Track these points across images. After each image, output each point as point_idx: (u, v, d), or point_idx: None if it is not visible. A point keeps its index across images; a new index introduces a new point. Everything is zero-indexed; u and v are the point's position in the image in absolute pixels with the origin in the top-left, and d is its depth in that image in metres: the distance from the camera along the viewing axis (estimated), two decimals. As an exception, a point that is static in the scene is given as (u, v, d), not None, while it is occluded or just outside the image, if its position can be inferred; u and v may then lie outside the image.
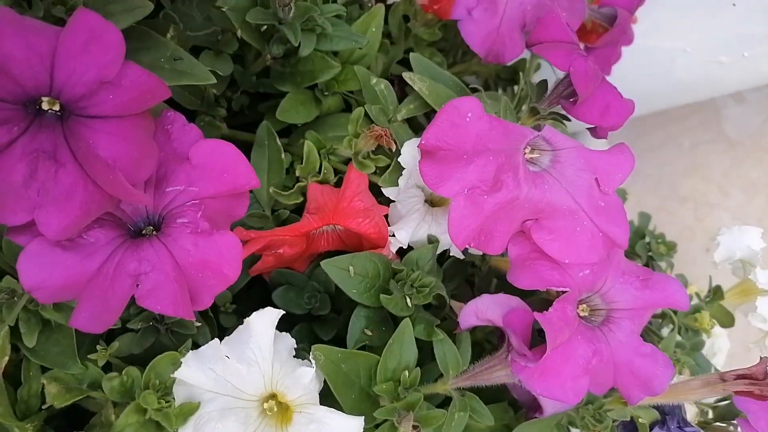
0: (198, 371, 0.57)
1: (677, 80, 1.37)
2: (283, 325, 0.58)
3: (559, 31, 0.69)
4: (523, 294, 0.62)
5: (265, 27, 0.70)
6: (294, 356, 0.59)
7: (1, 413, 0.59)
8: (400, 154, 0.68)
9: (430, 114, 0.75)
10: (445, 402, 0.67)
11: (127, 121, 0.50)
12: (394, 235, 0.69)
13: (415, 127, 0.78)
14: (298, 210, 0.72)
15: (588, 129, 0.72)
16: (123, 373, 0.60)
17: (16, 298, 0.58)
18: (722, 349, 1.08)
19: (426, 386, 0.65)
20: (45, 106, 0.49)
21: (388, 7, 0.84)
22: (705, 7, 1.19)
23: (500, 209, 0.60)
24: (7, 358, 0.58)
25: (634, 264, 0.69)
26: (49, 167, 0.49)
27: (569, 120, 0.73)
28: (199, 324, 0.67)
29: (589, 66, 0.65)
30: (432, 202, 0.75)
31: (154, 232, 0.56)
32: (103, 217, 0.53)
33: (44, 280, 0.51)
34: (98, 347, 0.62)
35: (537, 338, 0.60)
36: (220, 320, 0.72)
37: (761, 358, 0.62)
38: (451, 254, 0.74)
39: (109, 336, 0.65)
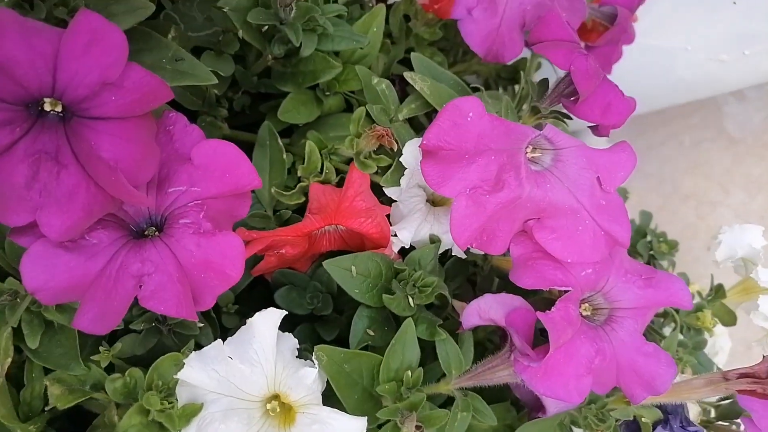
0: (201, 372, 0.57)
1: (678, 78, 1.36)
2: (285, 326, 0.58)
3: (560, 30, 0.69)
4: (525, 293, 0.62)
5: (266, 27, 0.70)
6: (296, 356, 0.59)
7: (4, 415, 0.59)
8: (402, 154, 0.68)
9: (431, 114, 0.75)
10: (447, 402, 0.67)
11: (129, 122, 0.50)
12: (396, 235, 0.69)
13: (417, 126, 0.78)
14: (300, 210, 0.72)
15: (589, 127, 0.72)
16: (126, 374, 0.60)
17: (18, 300, 0.58)
18: (724, 347, 1.08)
19: (428, 386, 0.66)
20: (47, 108, 0.49)
21: (388, 7, 0.84)
22: (705, 6, 1.19)
23: (502, 209, 0.60)
24: (9, 360, 0.58)
25: (637, 262, 0.69)
26: (52, 168, 0.49)
27: (570, 119, 0.73)
28: (202, 325, 0.67)
29: (590, 64, 0.65)
30: (434, 202, 0.75)
31: (157, 233, 0.56)
32: (105, 218, 0.53)
33: (47, 281, 0.51)
34: (101, 348, 0.62)
35: (539, 338, 0.60)
36: (223, 321, 0.72)
37: (764, 356, 0.62)
38: (452, 254, 0.74)
39: (112, 337, 0.65)
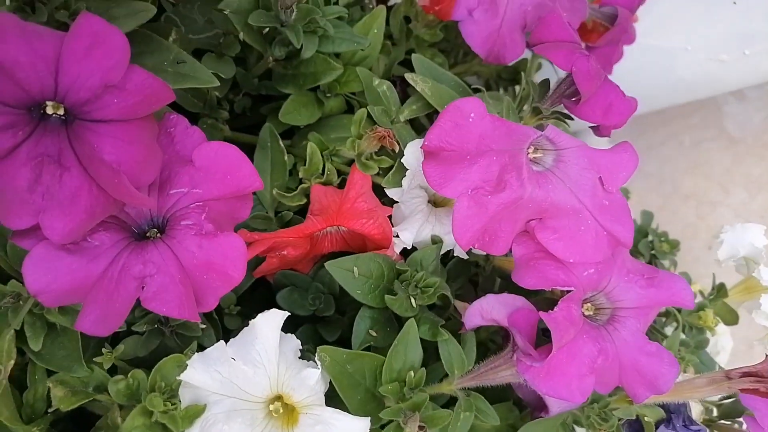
0: (204, 373, 0.57)
1: (678, 78, 1.36)
2: (287, 327, 0.59)
3: (561, 31, 0.69)
4: (527, 294, 0.62)
5: (267, 29, 0.70)
6: (299, 357, 0.59)
7: (7, 417, 0.59)
8: (403, 155, 0.68)
9: (432, 115, 0.75)
10: (450, 402, 0.67)
11: (131, 124, 0.50)
12: (398, 236, 0.70)
13: (418, 128, 0.78)
14: (302, 212, 0.72)
15: (591, 128, 0.72)
16: (129, 375, 0.60)
17: (21, 302, 0.58)
18: (726, 347, 1.08)
19: (431, 386, 0.66)
20: (49, 111, 0.49)
21: (389, 9, 0.84)
22: (705, 5, 1.19)
23: (504, 209, 0.60)
24: (12, 362, 0.58)
25: (639, 262, 0.69)
26: (54, 171, 0.49)
27: (572, 119, 0.73)
28: (204, 326, 0.67)
29: (591, 65, 0.65)
30: (435, 203, 0.75)
31: (159, 235, 0.56)
32: (107, 220, 0.53)
33: (49, 283, 0.51)
34: (103, 350, 0.62)
35: (542, 338, 0.60)
36: (225, 322, 0.72)
37: (766, 355, 0.62)
38: (454, 254, 0.74)
39: (114, 339, 0.65)
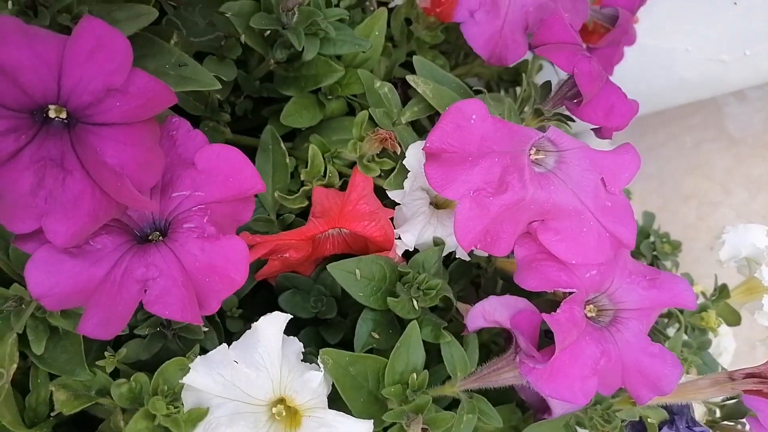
0: (206, 376, 0.57)
1: (679, 79, 1.37)
2: (289, 329, 0.58)
3: (563, 33, 0.69)
4: (530, 295, 0.62)
5: (268, 32, 0.70)
6: (301, 360, 0.59)
7: (10, 421, 0.59)
8: (405, 157, 0.68)
9: (433, 116, 0.75)
10: (453, 404, 0.67)
11: (133, 127, 0.50)
12: (399, 238, 0.69)
13: (419, 129, 0.78)
14: (304, 214, 0.72)
15: (592, 129, 0.72)
16: (131, 379, 0.60)
17: (23, 306, 0.58)
18: (728, 348, 1.08)
19: (434, 389, 0.65)
20: (52, 114, 0.49)
21: (390, 11, 0.84)
22: (706, 6, 1.19)
23: (506, 211, 0.60)
24: (15, 366, 0.58)
25: (641, 264, 0.69)
26: (57, 175, 0.49)
27: (573, 121, 0.73)
28: (207, 329, 0.67)
29: (593, 67, 0.65)
30: (437, 205, 0.75)
31: (161, 238, 0.56)
32: (109, 223, 0.53)
33: (52, 287, 0.51)
34: (106, 354, 0.62)
35: (544, 339, 0.60)
36: (227, 325, 0.72)
37: (769, 356, 0.62)
38: (456, 256, 0.74)
39: (117, 342, 0.65)
